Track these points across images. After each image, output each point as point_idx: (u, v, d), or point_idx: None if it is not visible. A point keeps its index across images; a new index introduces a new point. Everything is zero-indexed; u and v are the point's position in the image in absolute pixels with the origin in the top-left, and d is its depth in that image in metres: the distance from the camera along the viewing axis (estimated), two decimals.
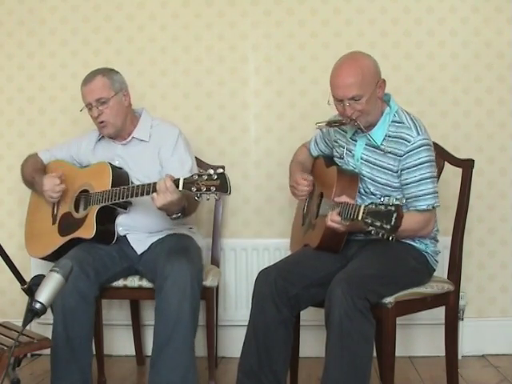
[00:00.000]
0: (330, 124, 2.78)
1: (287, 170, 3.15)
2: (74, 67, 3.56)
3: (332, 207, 2.58)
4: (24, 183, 3.20)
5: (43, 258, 3.10)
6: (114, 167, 2.97)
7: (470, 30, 3.44)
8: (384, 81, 2.71)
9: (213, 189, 2.49)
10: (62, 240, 2.99)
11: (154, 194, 2.65)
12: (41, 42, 3.57)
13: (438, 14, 3.44)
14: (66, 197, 3.04)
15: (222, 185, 2.49)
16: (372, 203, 2.36)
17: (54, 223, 3.06)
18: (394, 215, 2.26)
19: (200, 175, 2.51)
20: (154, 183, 2.69)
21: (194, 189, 2.51)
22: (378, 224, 2.29)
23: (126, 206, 2.95)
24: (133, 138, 3.06)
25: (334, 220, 2.54)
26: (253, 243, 3.50)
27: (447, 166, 2.96)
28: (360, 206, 2.39)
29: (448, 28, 3.44)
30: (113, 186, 2.89)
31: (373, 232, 2.33)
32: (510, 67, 3.44)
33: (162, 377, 2.68)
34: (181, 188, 2.56)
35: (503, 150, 3.46)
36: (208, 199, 2.54)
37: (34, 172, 3.12)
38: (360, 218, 2.36)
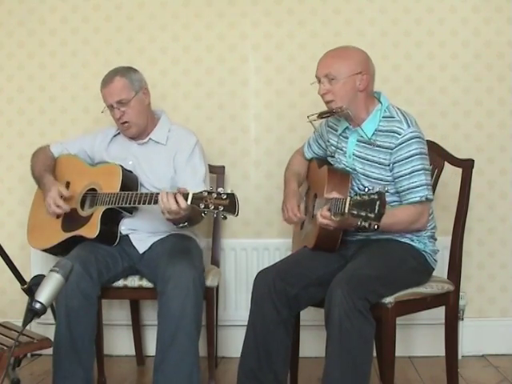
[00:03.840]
0: (320, 115, 2.78)
1: None
2: (74, 67, 3.56)
3: (324, 204, 2.57)
4: (32, 177, 3.15)
5: (44, 250, 3.10)
6: (124, 170, 2.96)
7: (470, 30, 3.44)
8: (369, 76, 2.70)
9: (220, 208, 2.47)
10: (65, 235, 2.98)
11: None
12: (41, 42, 3.57)
13: (438, 14, 3.44)
14: (73, 193, 3.02)
15: (231, 205, 2.47)
16: (357, 194, 2.32)
17: (58, 217, 3.04)
18: (377, 203, 2.23)
19: (210, 192, 2.50)
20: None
21: (201, 205, 2.49)
22: (364, 214, 2.26)
23: (131, 210, 2.96)
24: (150, 139, 3.06)
25: (323, 215, 2.51)
26: (253, 243, 3.50)
27: (447, 165, 2.95)
28: (346, 199, 2.36)
29: (448, 28, 3.44)
30: (121, 189, 2.89)
31: (360, 224, 2.29)
32: (510, 67, 3.44)
33: (167, 378, 2.67)
34: (189, 202, 2.55)
35: (503, 150, 3.46)
36: (215, 217, 2.53)
37: (43, 170, 3.08)
38: (347, 210, 2.33)
